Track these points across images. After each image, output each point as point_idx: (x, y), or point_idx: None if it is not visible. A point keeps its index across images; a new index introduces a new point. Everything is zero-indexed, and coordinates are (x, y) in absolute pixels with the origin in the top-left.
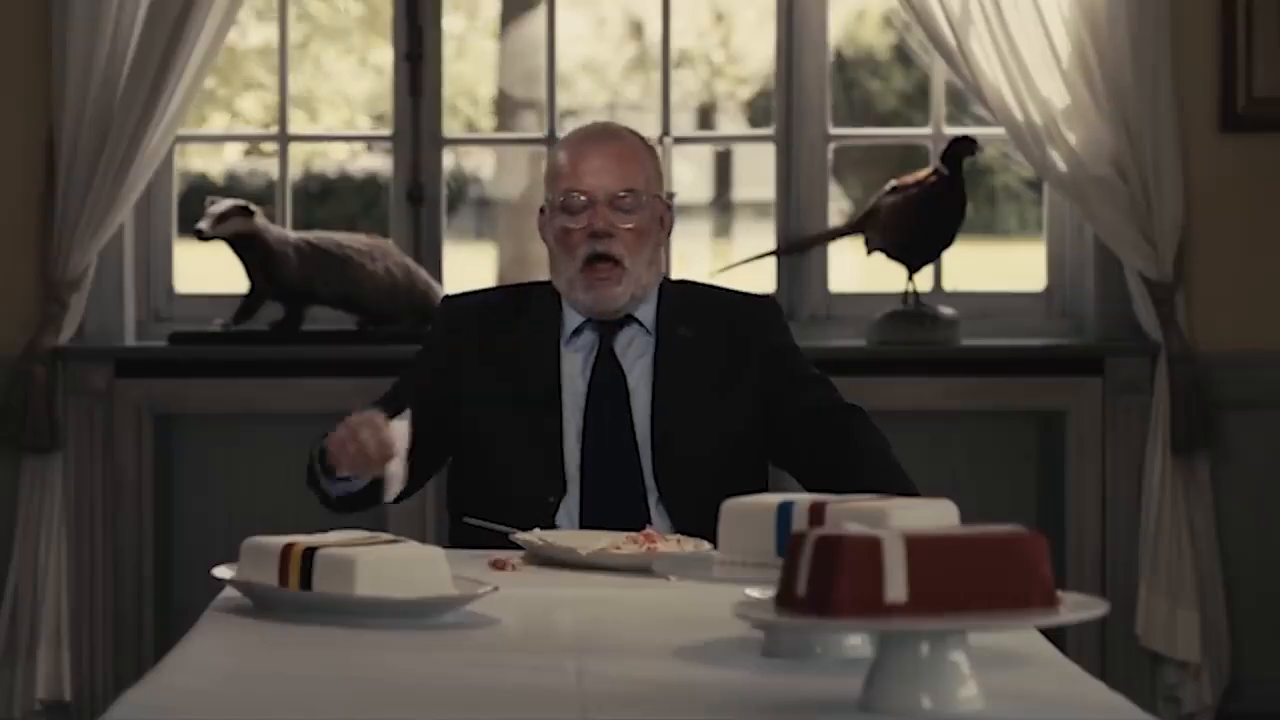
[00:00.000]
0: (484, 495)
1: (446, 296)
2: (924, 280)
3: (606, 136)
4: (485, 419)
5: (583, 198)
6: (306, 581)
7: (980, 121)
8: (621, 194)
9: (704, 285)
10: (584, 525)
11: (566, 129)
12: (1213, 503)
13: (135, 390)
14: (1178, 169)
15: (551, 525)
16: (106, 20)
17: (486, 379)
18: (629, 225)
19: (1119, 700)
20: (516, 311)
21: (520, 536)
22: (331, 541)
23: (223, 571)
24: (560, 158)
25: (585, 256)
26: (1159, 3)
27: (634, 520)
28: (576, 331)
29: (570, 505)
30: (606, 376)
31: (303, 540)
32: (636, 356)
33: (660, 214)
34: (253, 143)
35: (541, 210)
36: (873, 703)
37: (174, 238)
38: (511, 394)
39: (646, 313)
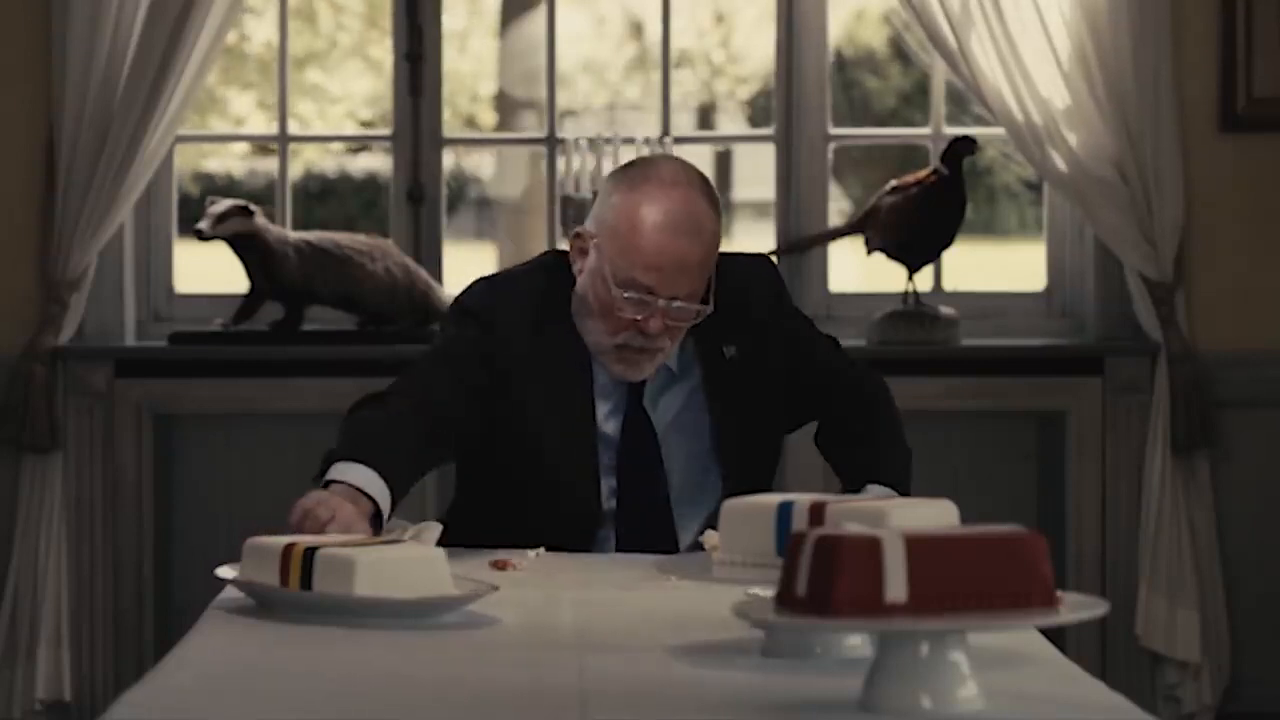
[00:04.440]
0: (524, 512)
1: (487, 291)
2: (924, 280)
3: (692, 234)
4: (524, 439)
5: (645, 295)
6: (307, 581)
7: (980, 121)
8: (684, 298)
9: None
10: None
11: (566, 129)
12: (1213, 502)
13: (135, 390)
14: (1178, 169)
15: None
16: (106, 20)
17: (525, 404)
18: (678, 323)
19: (1119, 700)
20: (550, 345)
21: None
22: (332, 541)
23: (226, 571)
24: (638, 231)
25: (624, 343)
26: (1159, 3)
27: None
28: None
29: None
30: (637, 432)
31: (303, 540)
32: (663, 393)
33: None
34: (253, 143)
35: (579, 235)
36: (873, 703)
37: (174, 238)
38: (549, 427)
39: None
